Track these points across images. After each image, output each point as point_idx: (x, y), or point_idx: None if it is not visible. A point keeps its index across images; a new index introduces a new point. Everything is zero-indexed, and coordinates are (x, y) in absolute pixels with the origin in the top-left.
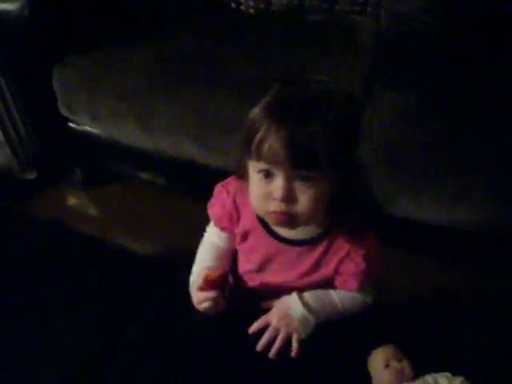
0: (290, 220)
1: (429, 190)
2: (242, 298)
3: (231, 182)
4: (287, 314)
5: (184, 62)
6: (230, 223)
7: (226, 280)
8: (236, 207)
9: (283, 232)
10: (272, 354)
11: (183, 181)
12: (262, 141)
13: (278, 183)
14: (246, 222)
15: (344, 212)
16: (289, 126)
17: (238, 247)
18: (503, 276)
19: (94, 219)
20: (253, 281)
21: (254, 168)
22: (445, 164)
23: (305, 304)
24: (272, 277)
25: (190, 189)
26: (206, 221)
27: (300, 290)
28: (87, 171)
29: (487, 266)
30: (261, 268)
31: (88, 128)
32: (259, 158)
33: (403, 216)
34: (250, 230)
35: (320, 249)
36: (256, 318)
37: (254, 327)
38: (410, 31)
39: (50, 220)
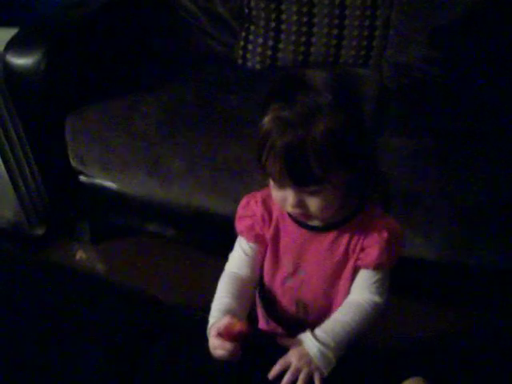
0: (309, 218)
1: (440, 233)
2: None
3: (256, 193)
4: (306, 354)
5: (192, 111)
6: (262, 229)
7: (247, 335)
8: (267, 209)
9: (310, 222)
10: None
11: (193, 231)
12: (266, 161)
13: (289, 194)
14: (276, 219)
15: (362, 197)
16: (288, 149)
17: (269, 259)
18: None
19: (103, 274)
20: (290, 292)
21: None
22: (455, 205)
23: (319, 340)
24: (309, 274)
25: (201, 240)
26: (217, 272)
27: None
28: (96, 225)
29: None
30: (296, 267)
31: (99, 180)
32: (268, 175)
33: (415, 257)
34: (280, 225)
35: (348, 232)
36: (274, 360)
37: (275, 371)
38: (412, 80)
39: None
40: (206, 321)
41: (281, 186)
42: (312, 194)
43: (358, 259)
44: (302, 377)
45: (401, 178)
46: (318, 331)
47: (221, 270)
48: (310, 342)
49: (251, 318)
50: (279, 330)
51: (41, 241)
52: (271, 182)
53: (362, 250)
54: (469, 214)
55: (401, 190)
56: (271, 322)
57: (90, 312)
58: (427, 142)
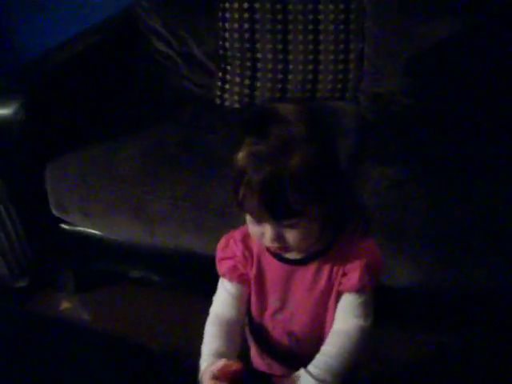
0: (287, 251)
1: (427, 259)
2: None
3: (234, 232)
4: None
5: (173, 152)
6: (244, 267)
7: (242, 375)
8: (247, 247)
9: (290, 255)
10: None
11: (179, 274)
12: (243, 199)
13: (267, 228)
14: (258, 256)
15: (340, 226)
16: (265, 184)
17: (255, 296)
18: None
19: (88, 324)
20: (280, 326)
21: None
22: (442, 232)
23: (315, 377)
24: (296, 307)
25: (187, 283)
26: (205, 316)
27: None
28: (80, 274)
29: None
30: (283, 301)
31: (81, 228)
32: (246, 212)
33: (403, 286)
34: (262, 262)
35: (329, 260)
36: None
37: None
38: (390, 110)
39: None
40: (194, 368)
41: (259, 220)
42: (290, 226)
43: (340, 284)
44: None
45: (383, 208)
46: (312, 368)
47: (208, 313)
48: (305, 380)
49: (245, 358)
50: (275, 365)
51: (24, 292)
52: (248, 218)
53: (344, 275)
54: (455, 239)
55: (384, 220)
56: (266, 358)
57: (75, 365)
58: (407, 171)
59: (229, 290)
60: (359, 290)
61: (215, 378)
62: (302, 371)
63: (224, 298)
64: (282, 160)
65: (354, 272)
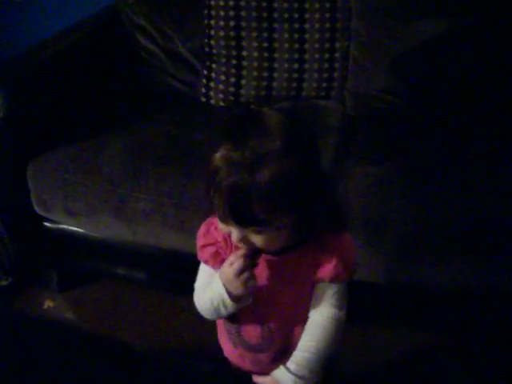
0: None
1: (409, 256)
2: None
3: (214, 219)
4: None
5: (157, 150)
6: (225, 252)
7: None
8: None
9: None
10: None
11: (163, 273)
12: (213, 198)
13: (233, 230)
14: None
15: (311, 228)
16: (232, 190)
17: None
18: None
19: (71, 323)
20: (255, 316)
21: None
22: (423, 229)
23: (294, 373)
24: (272, 298)
25: (170, 282)
26: (189, 314)
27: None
28: (63, 272)
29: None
30: (260, 292)
31: (64, 225)
32: (214, 210)
33: (384, 282)
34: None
35: (306, 252)
36: None
37: None
38: (375, 109)
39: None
40: (178, 365)
41: (225, 223)
42: (256, 232)
43: (314, 274)
44: None
45: (367, 206)
46: (291, 365)
47: (193, 311)
48: (286, 377)
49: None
50: (246, 354)
51: (7, 291)
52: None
53: (319, 265)
54: (437, 236)
55: (369, 218)
56: (239, 347)
57: (59, 363)
58: (391, 169)
59: (211, 275)
60: (334, 280)
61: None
62: (281, 368)
63: (207, 282)
64: (251, 172)
65: (328, 262)
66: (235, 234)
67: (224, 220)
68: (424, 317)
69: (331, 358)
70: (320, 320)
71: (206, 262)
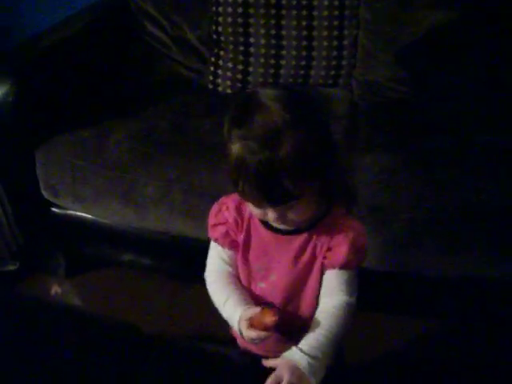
0: (289, 225)
1: (417, 245)
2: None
3: (227, 199)
4: (296, 367)
5: (165, 136)
6: (235, 233)
7: (275, 321)
8: (239, 214)
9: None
10: None
11: (170, 258)
12: (243, 189)
13: (269, 211)
14: (248, 223)
15: (332, 198)
16: (260, 174)
17: (241, 263)
18: None
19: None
20: (262, 296)
21: None
22: (431, 218)
23: (307, 353)
24: (279, 278)
25: (178, 268)
26: (195, 300)
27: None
28: (71, 258)
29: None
30: (267, 271)
31: (71, 211)
32: (247, 201)
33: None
34: (251, 230)
35: (315, 233)
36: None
37: None
38: (382, 98)
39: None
40: (190, 349)
41: (260, 207)
42: (290, 207)
43: (325, 258)
44: None
45: (375, 194)
46: (304, 346)
47: (199, 297)
48: (298, 356)
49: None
50: None
51: (14, 276)
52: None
53: (329, 250)
54: (445, 224)
55: (376, 205)
56: None
57: (68, 344)
58: (399, 157)
59: (221, 254)
60: (345, 266)
61: (253, 326)
62: (293, 349)
63: (218, 260)
64: (271, 149)
65: (339, 247)
66: (271, 215)
67: (258, 204)
68: (430, 305)
69: (340, 344)
70: (331, 307)
71: (216, 241)
